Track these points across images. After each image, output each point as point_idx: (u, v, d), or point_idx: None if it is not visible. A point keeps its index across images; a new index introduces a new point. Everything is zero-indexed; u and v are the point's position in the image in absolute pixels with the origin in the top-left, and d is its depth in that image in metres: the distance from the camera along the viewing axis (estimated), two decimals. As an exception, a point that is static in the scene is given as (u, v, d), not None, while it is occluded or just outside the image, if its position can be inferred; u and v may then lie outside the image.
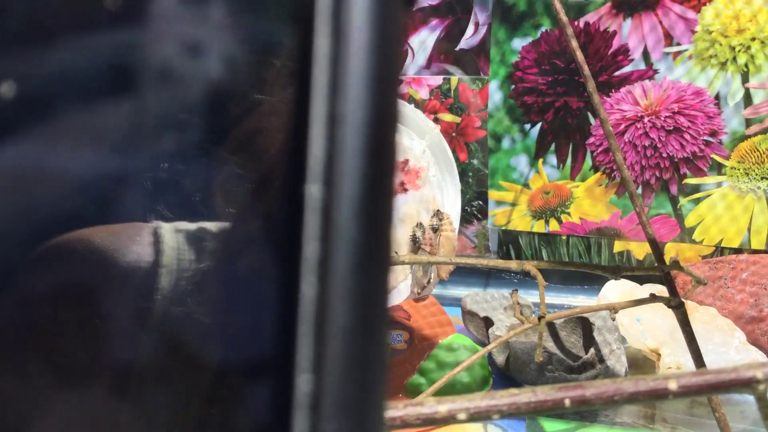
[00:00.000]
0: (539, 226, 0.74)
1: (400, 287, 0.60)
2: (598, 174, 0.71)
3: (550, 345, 0.53)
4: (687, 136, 0.66)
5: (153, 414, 0.15)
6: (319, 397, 0.11)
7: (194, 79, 0.14)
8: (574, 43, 0.41)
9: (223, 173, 0.15)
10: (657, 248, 0.43)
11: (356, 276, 0.12)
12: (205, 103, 0.15)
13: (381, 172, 0.12)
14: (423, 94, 0.76)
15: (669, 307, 0.41)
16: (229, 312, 0.15)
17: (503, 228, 0.75)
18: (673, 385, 0.18)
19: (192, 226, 0.16)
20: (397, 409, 0.18)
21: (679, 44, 0.65)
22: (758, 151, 0.64)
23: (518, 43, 0.71)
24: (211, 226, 0.16)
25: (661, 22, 0.66)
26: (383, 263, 0.12)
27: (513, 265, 0.40)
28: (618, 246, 0.71)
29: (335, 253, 0.11)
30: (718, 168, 0.66)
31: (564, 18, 0.40)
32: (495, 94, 0.73)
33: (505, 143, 0.74)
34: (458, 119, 0.75)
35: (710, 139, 0.66)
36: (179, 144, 0.15)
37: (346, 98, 0.11)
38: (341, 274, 0.11)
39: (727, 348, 0.53)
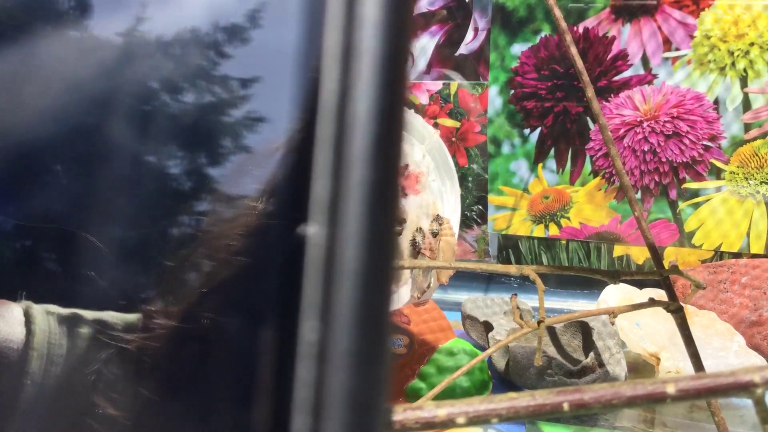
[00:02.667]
0: (539, 231, 0.74)
1: (401, 292, 0.60)
2: (598, 179, 0.71)
3: (550, 349, 0.53)
4: (686, 141, 0.66)
5: None
6: (325, 346, 0.11)
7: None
8: (574, 51, 0.41)
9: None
10: (656, 253, 0.43)
11: (367, 217, 0.11)
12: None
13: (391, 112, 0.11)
14: (423, 99, 0.76)
15: (668, 311, 0.41)
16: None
17: (503, 233, 0.76)
18: (671, 389, 0.18)
19: (64, 310, 0.15)
20: (396, 413, 0.19)
21: (678, 49, 0.66)
22: (758, 155, 0.64)
23: (518, 49, 0.71)
24: (89, 313, 0.15)
25: (660, 28, 0.66)
26: (393, 204, 0.12)
27: (512, 269, 0.40)
28: (618, 250, 0.72)
29: (347, 192, 0.11)
30: (716, 173, 0.66)
31: (563, 24, 0.40)
32: (495, 99, 0.73)
33: (505, 148, 0.74)
34: (458, 124, 0.75)
35: (709, 143, 0.66)
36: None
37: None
38: (353, 215, 0.11)
39: (726, 352, 0.53)
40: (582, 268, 0.70)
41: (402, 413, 0.19)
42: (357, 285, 0.11)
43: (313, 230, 0.11)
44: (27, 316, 0.15)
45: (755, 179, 0.65)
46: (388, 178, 0.12)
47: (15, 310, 0.15)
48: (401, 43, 0.12)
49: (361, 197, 0.11)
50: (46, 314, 0.15)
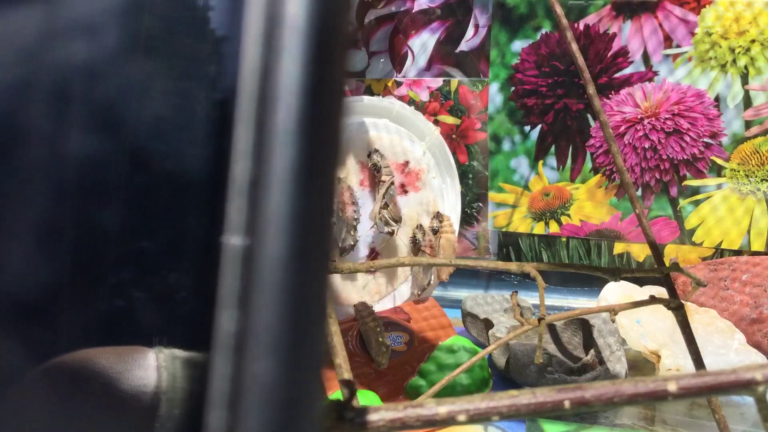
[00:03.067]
0: (539, 228, 0.74)
1: (401, 289, 0.60)
2: (598, 176, 0.71)
3: (551, 347, 0.53)
4: (687, 138, 0.66)
5: None
6: (245, 337, 0.10)
7: None
8: (575, 48, 0.41)
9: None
10: (657, 250, 0.43)
11: (293, 196, 0.10)
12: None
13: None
14: (423, 96, 0.76)
15: (669, 308, 0.41)
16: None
17: (503, 230, 0.76)
18: (672, 387, 0.18)
19: (185, 354, 0.16)
20: (396, 411, 0.19)
21: (679, 46, 0.65)
22: (759, 153, 0.64)
23: (518, 45, 0.71)
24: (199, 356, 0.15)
25: (661, 25, 0.66)
26: (325, 184, 0.11)
27: (513, 266, 0.40)
28: (618, 248, 0.71)
29: (269, 171, 0.10)
30: (717, 170, 0.66)
31: (564, 21, 0.40)
32: (495, 96, 0.73)
33: (506, 145, 0.74)
34: (458, 121, 0.75)
35: (710, 141, 0.66)
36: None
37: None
38: (275, 198, 0.10)
39: (726, 350, 0.53)
40: (582, 265, 0.70)
41: (403, 411, 0.18)
42: (280, 272, 0.10)
43: (233, 211, 0.10)
44: (159, 361, 0.16)
45: (756, 176, 0.65)
46: (317, 159, 0.11)
47: (150, 356, 0.16)
48: (332, 12, 0.11)
49: (285, 180, 0.10)
50: (173, 359, 0.16)
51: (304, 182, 0.10)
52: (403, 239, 0.59)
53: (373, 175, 0.56)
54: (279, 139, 0.10)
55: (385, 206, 0.55)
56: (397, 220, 0.55)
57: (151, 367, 0.15)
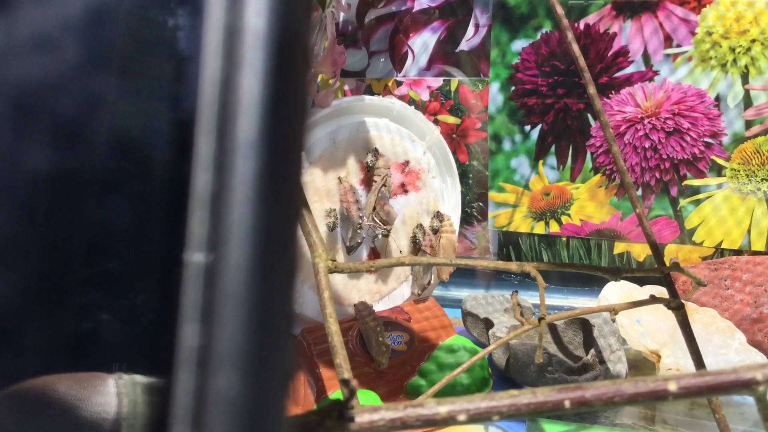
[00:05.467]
0: (540, 228, 0.74)
1: (401, 288, 0.60)
2: (599, 176, 0.71)
3: (551, 347, 0.53)
4: (687, 138, 0.66)
5: None
6: (208, 351, 0.10)
7: None
8: (576, 49, 0.41)
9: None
10: (657, 250, 0.43)
11: (255, 208, 0.10)
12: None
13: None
14: (423, 95, 0.76)
15: (669, 308, 0.41)
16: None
17: (504, 230, 0.76)
18: (672, 387, 0.18)
19: (146, 379, 0.15)
20: (397, 411, 0.19)
21: (679, 46, 0.65)
22: (759, 152, 0.64)
23: (519, 45, 0.71)
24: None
25: (661, 24, 0.66)
26: (288, 196, 0.10)
27: (513, 266, 0.40)
28: (618, 247, 0.71)
29: (230, 185, 0.10)
30: (718, 170, 0.66)
31: (565, 22, 0.40)
32: (496, 95, 0.73)
33: (506, 145, 0.74)
34: (459, 121, 0.75)
35: (711, 140, 0.66)
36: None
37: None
38: (237, 207, 0.10)
39: (727, 349, 0.53)
40: (583, 265, 0.70)
41: (403, 410, 0.18)
42: (243, 284, 0.10)
43: (195, 224, 0.10)
44: (119, 387, 0.15)
45: (756, 176, 0.65)
46: (279, 169, 0.10)
47: (109, 382, 0.15)
48: (293, 23, 0.11)
49: (247, 190, 0.10)
50: (133, 385, 0.15)
51: (266, 193, 0.10)
52: (397, 241, 0.59)
53: (367, 174, 0.56)
54: (240, 151, 0.10)
55: (373, 209, 0.55)
56: (386, 222, 0.55)
57: (110, 393, 0.15)
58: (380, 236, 0.56)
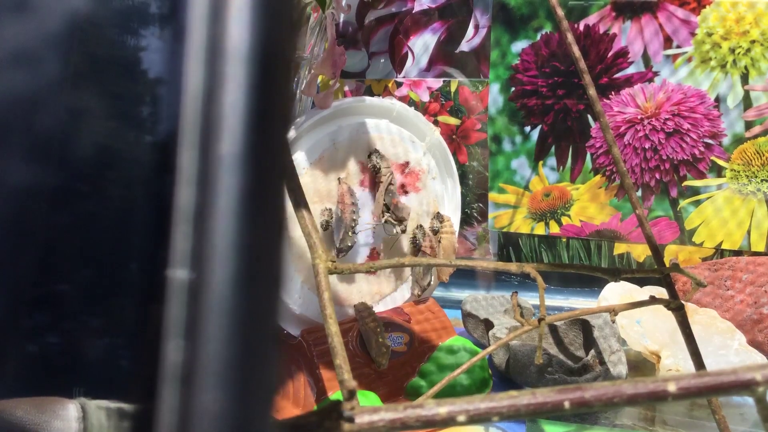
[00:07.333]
0: (540, 229, 0.74)
1: (402, 289, 0.60)
2: (599, 176, 0.71)
3: (551, 348, 0.53)
4: (687, 139, 0.66)
5: None
6: (192, 367, 0.10)
7: None
8: (576, 51, 0.41)
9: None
10: (657, 251, 0.43)
11: (239, 223, 0.10)
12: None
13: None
14: (424, 96, 0.76)
15: (669, 309, 0.41)
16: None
17: (504, 230, 0.76)
18: (672, 388, 0.18)
19: (111, 404, 0.15)
20: (397, 411, 0.19)
21: (679, 47, 0.65)
22: (759, 153, 0.64)
23: (519, 46, 0.71)
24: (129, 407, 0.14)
25: (661, 25, 0.66)
26: (272, 209, 0.10)
27: (513, 267, 0.40)
28: (618, 248, 0.71)
29: (213, 200, 0.10)
30: (718, 170, 0.66)
31: (566, 24, 0.40)
32: (496, 96, 0.73)
33: (506, 146, 0.74)
34: (459, 122, 0.75)
35: (711, 141, 0.66)
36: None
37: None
38: (221, 221, 0.10)
39: (726, 350, 0.53)
40: (582, 265, 0.70)
41: (403, 411, 0.19)
42: (227, 300, 0.10)
43: (178, 239, 0.10)
44: (82, 412, 0.15)
45: (756, 177, 0.65)
46: (263, 183, 0.10)
47: (70, 408, 0.15)
48: (275, 37, 0.10)
49: (231, 205, 0.10)
50: (97, 409, 0.15)
51: (250, 207, 0.10)
52: (404, 241, 0.59)
53: (374, 176, 0.56)
54: (224, 165, 0.10)
55: (387, 209, 0.55)
56: (401, 219, 0.55)
57: (71, 418, 0.15)
58: (398, 232, 0.55)
